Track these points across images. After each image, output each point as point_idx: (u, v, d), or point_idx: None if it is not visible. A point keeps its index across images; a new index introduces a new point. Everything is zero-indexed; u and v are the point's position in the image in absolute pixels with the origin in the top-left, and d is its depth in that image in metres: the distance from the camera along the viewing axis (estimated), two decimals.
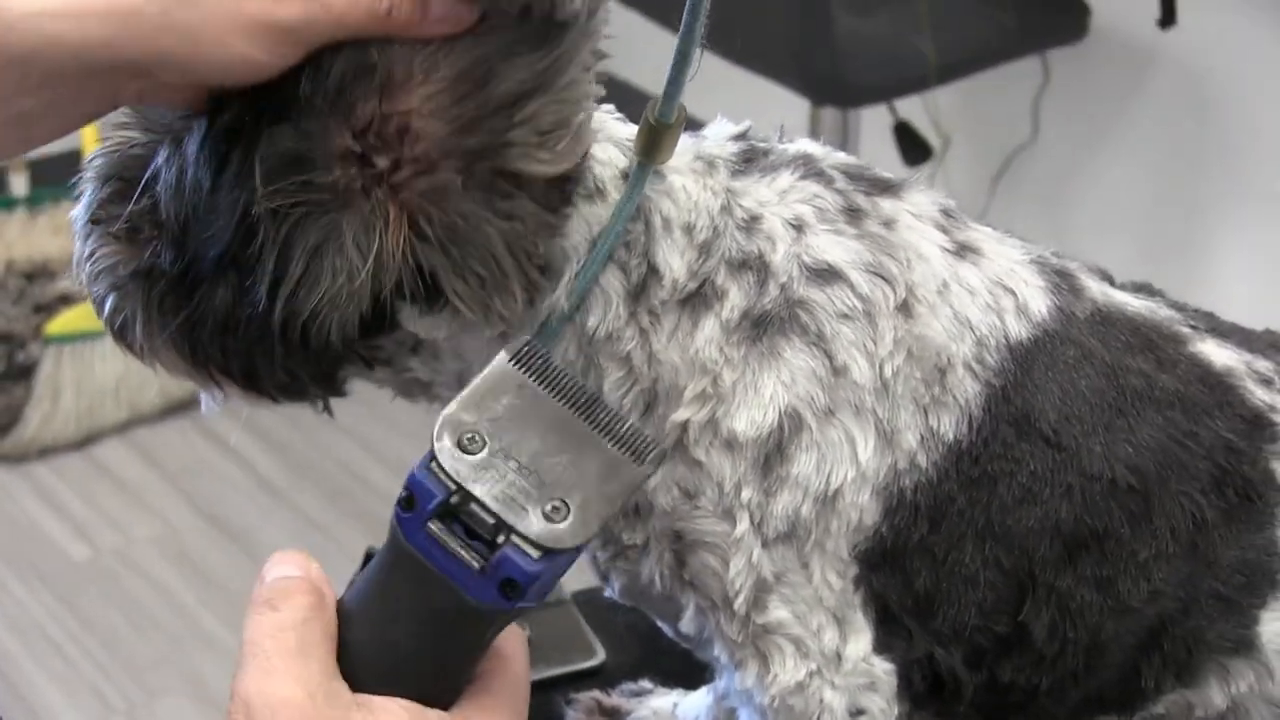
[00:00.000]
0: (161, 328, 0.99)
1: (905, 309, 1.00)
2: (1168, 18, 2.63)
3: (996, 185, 3.21)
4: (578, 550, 0.79)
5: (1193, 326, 1.10)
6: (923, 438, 1.00)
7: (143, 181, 0.98)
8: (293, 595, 0.82)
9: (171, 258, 0.97)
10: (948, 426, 1.00)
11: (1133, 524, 1.03)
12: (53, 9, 0.86)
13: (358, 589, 0.83)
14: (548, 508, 0.78)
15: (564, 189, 0.96)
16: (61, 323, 3.09)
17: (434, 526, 0.77)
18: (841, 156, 1.06)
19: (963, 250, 1.05)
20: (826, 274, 0.99)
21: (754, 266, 0.99)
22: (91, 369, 3.08)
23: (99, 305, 1.02)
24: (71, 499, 3.03)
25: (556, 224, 0.96)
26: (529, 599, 0.78)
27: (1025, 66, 3.01)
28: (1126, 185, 3.06)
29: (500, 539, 0.77)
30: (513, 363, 0.83)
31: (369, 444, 3.12)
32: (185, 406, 3.19)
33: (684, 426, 0.99)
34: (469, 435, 0.79)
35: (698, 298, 0.99)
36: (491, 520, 0.77)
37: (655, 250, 0.99)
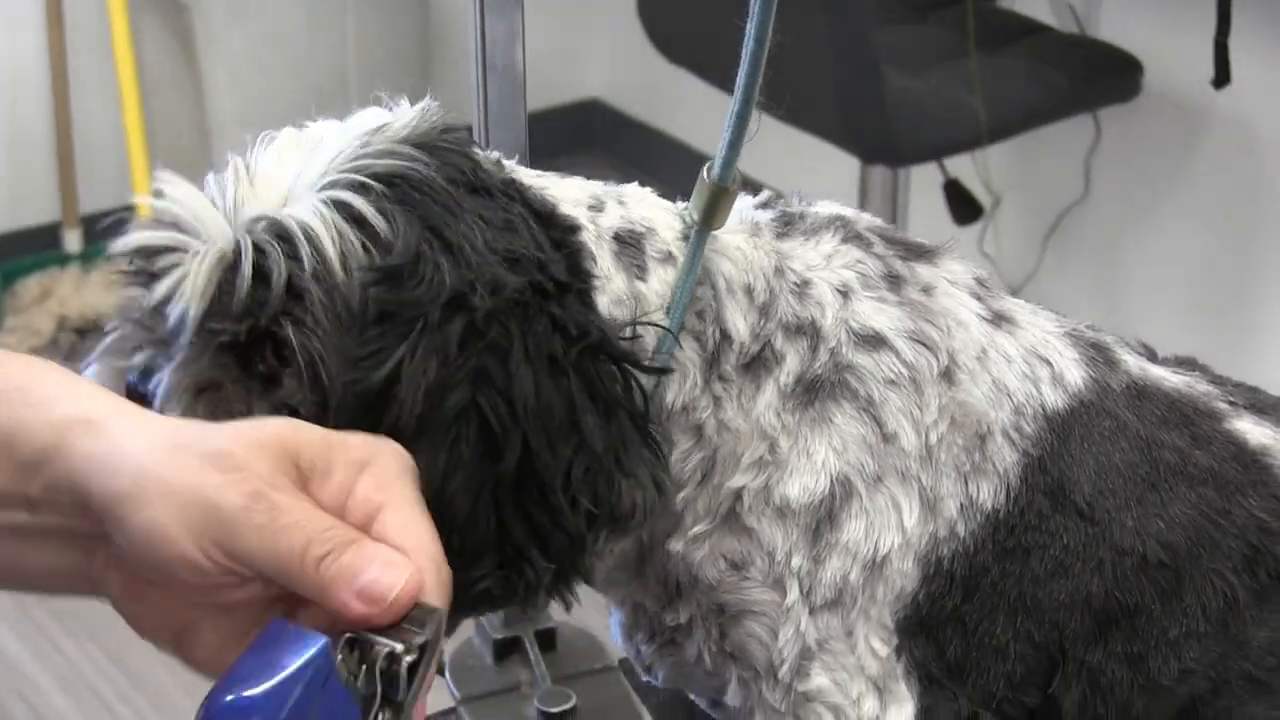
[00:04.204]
0: None
1: (948, 376, 1.01)
2: (1221, 76, 2.61)
3: (1047, 243, 3.19)
4: None
5: (1230, 402, 1.09)
6: (962, 506, 1.01)
7: None
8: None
9: None
10: (986, 495, 1.01)
11: (1164, 600, 1.02)
12: None
13: None
14: None
15: None
16: None
17: None
18: (871, 219, 1.07)
19: (998, 319, 1.05)
20: (873, 340, 1.00)
21: (807, 332, 1.00)
22: None
23: None
24: None
25: None
26: None
27: (1076, 124, 3.00)
28: (1178, 243, 3.04)
29: None
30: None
31: None
32: None
33: (738, 494, 0.99)
34: None
35: (759, 362, 0.99)
36: None
37: (724, 313, 0.99)
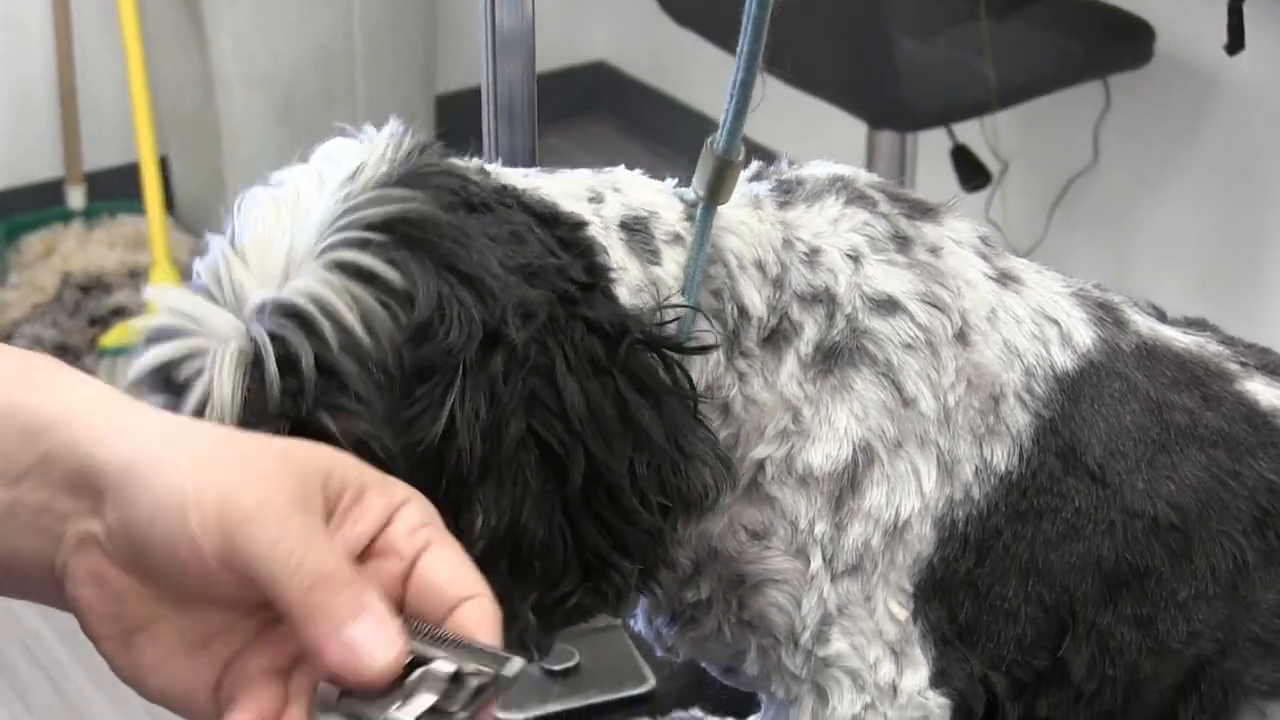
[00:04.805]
0: None
1: (962, 337, 1.01)
2: (1235, 42, 2.58)
3: (1055, 210, 3.18)
4: None
5: (1242, 363, 1.09)
6: (977, 469, 1.00)
7: None
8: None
9: None
10: (1000, 458, 1.00)
11: (1173, 562, 1.02)
12: None
13: None
14: None
15: None
16: (116, 335, 3.10)
17: None
18: (870, 175, 1.06)
19: (1005, 278, 1.05)
20: (887, 304, 0.99)
21: (823, 299, 0.99)
22: None
23: None
24: None
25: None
26: None
27: (1086, 91, 2.99)
28: (1188, 212, 3.03)
29: None
30: None
31: None
32: None
33: (760, 464, 0.99)
34: None
35: (778, 334, 0.98)
36: None
37: (739, 289, 0.98)
